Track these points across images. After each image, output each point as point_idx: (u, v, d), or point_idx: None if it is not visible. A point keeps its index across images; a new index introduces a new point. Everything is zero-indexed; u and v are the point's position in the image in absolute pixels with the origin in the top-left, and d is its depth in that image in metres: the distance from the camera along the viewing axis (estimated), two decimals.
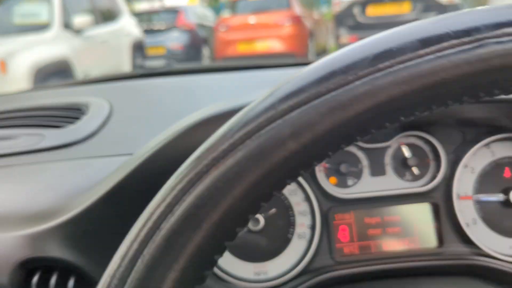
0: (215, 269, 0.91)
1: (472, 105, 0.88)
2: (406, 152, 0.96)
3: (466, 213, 0.94)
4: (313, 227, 0.93)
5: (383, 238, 0.94)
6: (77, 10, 7.50)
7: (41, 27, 6.86)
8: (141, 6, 14.23)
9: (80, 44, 7.22)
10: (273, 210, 0.94)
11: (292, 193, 0.95)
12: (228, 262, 0.93)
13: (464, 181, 0.95)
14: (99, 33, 7.81)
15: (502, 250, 0.92)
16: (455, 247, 0.93)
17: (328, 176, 0.96)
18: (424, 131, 0.96)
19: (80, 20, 7.28)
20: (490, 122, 0.94)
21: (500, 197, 0.94)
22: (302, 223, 0.94)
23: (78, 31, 7.26)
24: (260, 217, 0.92)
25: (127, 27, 8.94)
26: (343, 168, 0.94)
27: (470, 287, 0.88)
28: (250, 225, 0.92)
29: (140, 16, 12.84)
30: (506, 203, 0.93)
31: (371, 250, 0.94)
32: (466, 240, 0.92)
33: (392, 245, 0.94)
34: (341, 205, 0.94)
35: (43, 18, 6.99)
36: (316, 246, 0.92)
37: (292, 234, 0.94)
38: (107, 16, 8.59)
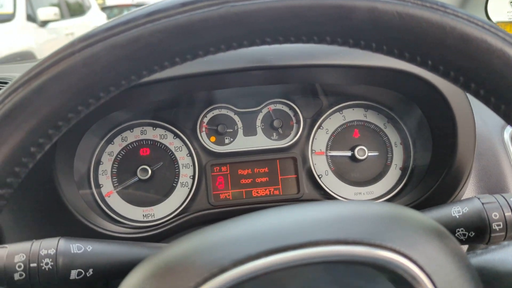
0: (110, 213, 1.09)
1: (330, 78, 1.07)
2: (274, 116, 1.16)
3: (320, 166, 1.14)
4: (193, 177, 1.12)
5: (253, 186, 1.13)
6: (42, 3, 7.52)
7: (5, 18, 6.87)
8: (112, 1, 14.23)
9: (44, 35, 7.25)
10: (160, 163, 1.12)
11: (178, 149, 1.13)
12: (121, 207, 1.10)
13: (319, 139, 1.15)
14: (65, 25, 7.84)
15: (348, 196, 1.13)
16: (311, 193, 1.13)
17: (209, 135, 1.15)
18: (289, 99, 1.15)
19: (45, 12, 7.31)
20: (343, 91, 1.14)
21: (348, 153, 1.14)
22: (185, 174, 1.13)
23: (43, 23, 7.29)
24: (147, 167, 1.10)
25: (96, 20, 8.97)
26: (220, 128, 1.13)
27: None
28: (139, 175, 1.10)
29: (111, 10, 12.84)
30: (352, 157, 1.13)
31: (243, 196, 1.13)
32: (319, 187, 1.12)
33: (260, 192, 1.13)
34: (219, 159, 1.13)
35: (7, 9, 6.99)
36: (195, 192, 1.10)
37: (176, 183, 1.12)
38: (75, 9, 8.63)
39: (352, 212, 0.52)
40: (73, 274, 0.71)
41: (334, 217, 0.51)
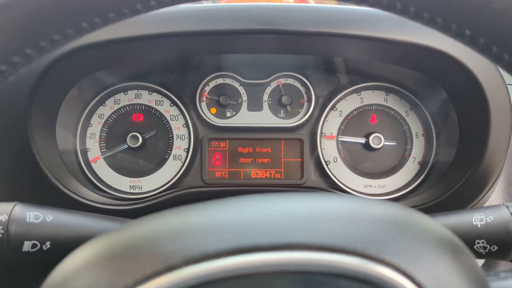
0: (94, 180, 1.00)
1: (349, 52, 0.94)
2: (283, 91, 1.04)
3: (329, 152, 1.02)
4: (188, 150, 1.01)
5: (253, 167, 1.02)
6: None
7: None
8: None
9: None
10: (153, 132, 1.02)
11: (173, 118, 1.03)
12: (107, 174, 1.01)
13: (331, 122, 1.03)
14: None
15: (357, 188, 1.01)
16: (316, 181, 1.01)
17: (209, 106, 1.04)
18: (302, 74, 1.03)
19: None
20: (364, 70, 1.01)
21: (361, 140, 1.02)
22: (179, 146, 1.02)
23: None
24: (138, 135, 1.00)
25: None
26: (222, 99, 1.02)
27: None
28: (129, 142, 1.00)
29: None
30: (366, 145, 1.01)
31: (240, 176, 1.02)
32: (326, 175, 1.01)
33: (259, 173, 1.02)
34: (218, 133, 1.02)
35: None
36: (187, 166, 1.00)
37: (169, 155, 1.02)
38: None
39: (346, 210, 0.41)
40: (27, 245, 0.62)
41: (321, 214, 0.40)
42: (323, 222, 0.39)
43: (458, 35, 0.40)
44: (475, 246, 0.62)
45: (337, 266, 0.36)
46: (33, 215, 0.63)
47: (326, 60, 1.00)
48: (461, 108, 0.89)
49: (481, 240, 0.62)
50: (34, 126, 0.83)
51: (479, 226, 0.63)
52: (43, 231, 0.63)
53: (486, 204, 0.89)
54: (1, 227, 0.60)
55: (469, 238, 0.62)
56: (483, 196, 0.86)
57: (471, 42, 0.40)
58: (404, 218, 0.42)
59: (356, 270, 0.36)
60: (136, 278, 0.36)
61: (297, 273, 0.37)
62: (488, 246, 0.62)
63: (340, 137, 1.03)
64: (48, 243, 0.63)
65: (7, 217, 0.61)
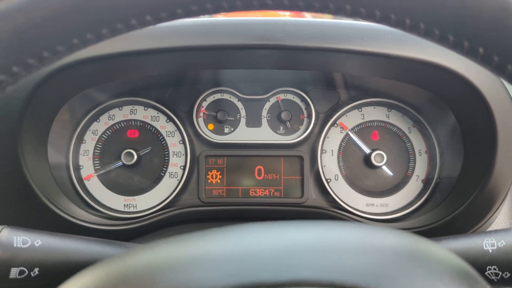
0: (87, 198, 0.96)
1: (349, 67, 0.92)
2: (282, 107, 1.01)
3: (330, 169, 0.99)
4: (184, 168, 0.98)
5: (251, 185, 0.99)
6: None
7: None
8: None
9: None
10: (148, 148, 0.99)
11: (170, 134, 1.00)
12: (100, 192, 0.98)
13: (332, 138, 1.00)
14: None
15: (359, 207, 0.98)
16: (316, 199, 0.98)
17: (207, 122, 1.01)
18: (302, 89, 1.00)
19: None
20: (365, 86, 0.99)
21: (363, 157, 0.99)
22: (175, 163, 0.99)
23: None
24: (133, 152, 0.97)
25: None
26: (220, 115, 0.99)
27: None
28: (124, 159, 0.97)
29: None
30: (368, 163, 0.98)
31: (238, 195, 0.99)
32: (327, 193, 0.98)
33: (258, 192, 0.99)
34: (215, 150, 0.99)
35: None
36: (184, 184, 0.97)
37: (165, 173, 0.99)
38: None
39: (355, 241, 0.38)
40: (14, 272, 0.58)
41: (329, 246, 0.37)
42: (332, 255, 0.36)
43: (470, 53, 0.38)
44: (486, 273, 0.59)
45: None
46: (21, 240, 0.59)
47: (326, 75, 0.98)
48: (466, 126, 0.86)
49: (493, 267, 0.59)
50: (25, 144, 0.79)
51: (490, 251, 0.60)
52: (31, 257, 0.59)
53: (492, 225, 0.86)
54: None
55: (480, 264, 0.59)
56: (490, 217, 0.83)
57: (484, 60, 0.38)
58: (417, 249, 0.39)
59: None
60: None
61: None
62: (500, 273, 0.59)
63: (341, 155, 1.00)
64: (36, 270, 0.59)
65: None
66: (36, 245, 0.60)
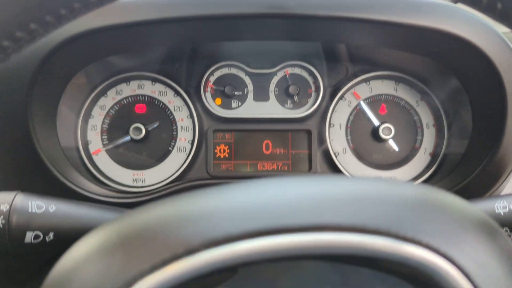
0: (96, 173, 0.96)
1: (360, 37, 0.91)
2: (290, 81, 1.01)
3: (338, 143, 0.99)
4: (192, 142, 0.98)
5: (259, 159, 0.99)
6: None
7: None
8: None
9: None
10: (156, 123, 0.99)
11: (177, 109, 1.00)
12: (109, 167, 0.98)
13: (340, 112, 1.00)
14: None
15: None
16: (324, 173, 0.99)
17: (214, 97, 1.01)
18: (310, 63, 1.00)
19: None
20: (373, 59, 0.99)
21: (371, 131, 0.99)
22: (183, 138, 0.99)
23: None
24: (141, 126, 0.97)
25: None
26: (228, 89, 0.99)
27: None
28: (132, 134, 0.97)
29: None
30: (376, 136, 0.98)
31: (246, 169, 0.99)
32: (335, 167, 0.98)
33: (266, 166, 0.99)
34: (223, 124, 0.99)
35: None
36: (192, 159, 0.97)
37: (173, 147, 0.99)
38: None
39: (377, 191, 0.38)
40: (29, 236, 0.59)
41: (351, 195, 0.37)
42: (354, 202, 0.36)
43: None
44: None
45: (371, 248, 0.33)
46: (36, 205, 0.60)
47: (334, 49, 0.97)
48: (475, 96, 0.86)
49: (505, 228, 0.60)
50: (35, 116, 0.80)
51: (502, 214, 0.60)
52: (46, 222, 0.59)
53: (502, 192, 0.86)
54: (1, 217, 0.57)
55: None
56: (499, 186, 0.83)
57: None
58: (438, 199, 0.39)
59: (392, 253, 0.33)
60: (153, 262, 0.33)
61: (326, 257, 0.34)
62: None
63: (349, 128, 1.00)
64: (51, 234, 0.60)
65: (8, 207, 0.58)
66: (51, 210, 0.60)
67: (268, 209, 0.35)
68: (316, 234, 0.33)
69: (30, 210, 0.59)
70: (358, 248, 0.33)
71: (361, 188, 0.38)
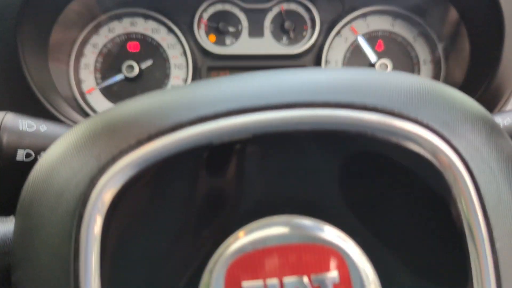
0: (90, 111, 0.96)
1: None
2: (286, 17, 0.99)
3: None
4: (186, 80, 0.97)
5: None
6: None
7: None
8: None
9: None
10: (150, 61, 0.98)
11: (171, 46, 0.98)
12: (103, 107, 0.97)
13: (336, 49, 0.98)
14: None
15: None
16: None
17: (208, 34, 0.99)
18: None
19: None
20: None
21: (367, 67, 0.98)
22: (177, 76, 0.98)
23: None
24: (134, 64, 0.95)
25: None
26: (222, 26, 0.97)
27: None
28: (125, 71, 0.95)
29: None
30: None
31: None
32: None
33: None
34: (217, 62, 0.98)
35: None
36: None
37: (166, 85, 0.98)
38: None
39: (366, 76, 0.37)
40: (20, 154, 0.59)
41: (334, 77, 0.36)
42: (337, 82, 0.35)
43: None
44: None
45: (359, 123, 0.33)
46: (26, 124, 0.59)
47: None
48: (472, 27, 0.85)
49: None
50: (26, 42, 0.78)
51: (505, 124, 0.59)
52: (37, 141, 0.59)
53: None
54: None
55: None
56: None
57: None
58: (435, 86, 0.38)
59: (382, 126, 0.33)
60: (139, 137, 0.33)
61: (311, 132, 0.34)
62: None
63: (346, 65, 0.98)
64: (43, 154, 0.59)
65: None
66: (42, 130, 0.60)
67: (253, 91, 0.34)
68: (298, 110, 0.33)
69: (20, 129, 0.58)
70: (343, 123, 0.33)
71: (345, 73, 0.37)
